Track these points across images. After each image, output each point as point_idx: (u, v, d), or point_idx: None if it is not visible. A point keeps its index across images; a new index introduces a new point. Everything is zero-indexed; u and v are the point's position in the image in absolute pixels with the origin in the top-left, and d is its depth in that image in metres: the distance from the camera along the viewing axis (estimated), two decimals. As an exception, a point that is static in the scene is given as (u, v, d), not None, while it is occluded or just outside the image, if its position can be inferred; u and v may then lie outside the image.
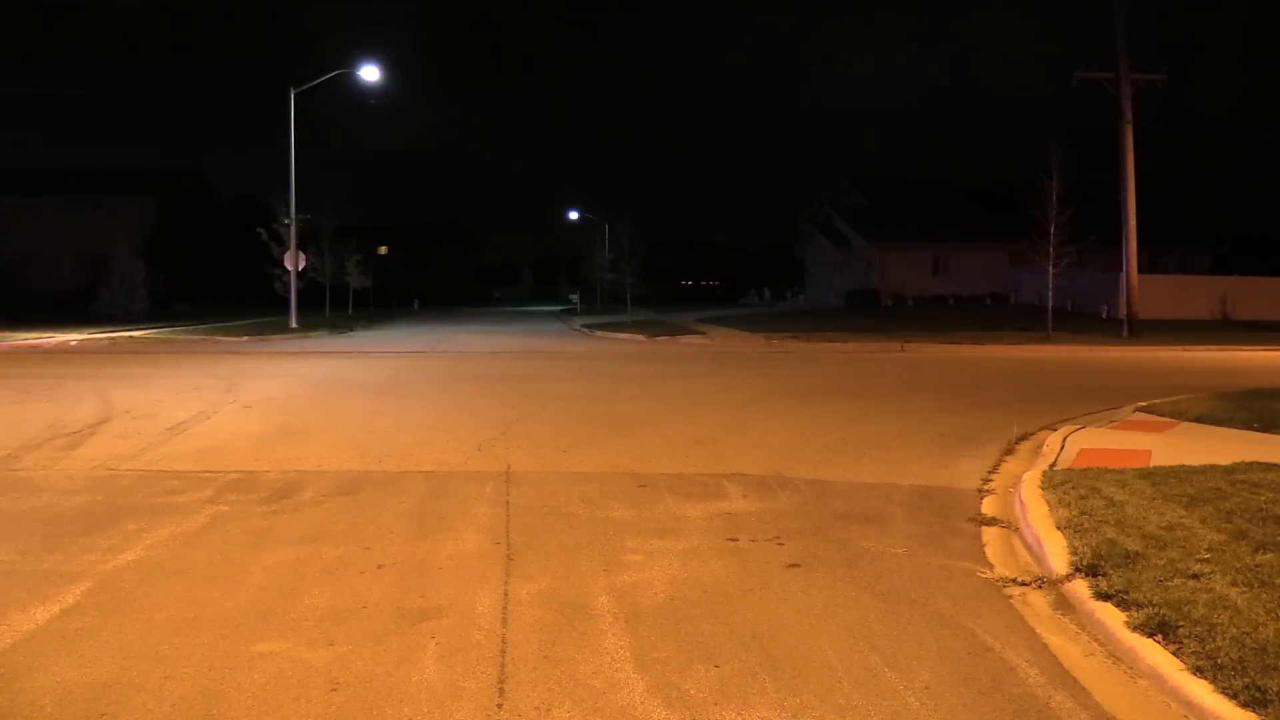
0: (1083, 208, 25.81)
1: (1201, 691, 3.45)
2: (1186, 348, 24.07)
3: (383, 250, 74.89)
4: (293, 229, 33.67)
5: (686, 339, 27.28)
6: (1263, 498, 6.00)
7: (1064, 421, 10.25)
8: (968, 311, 39.39)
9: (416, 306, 62.36)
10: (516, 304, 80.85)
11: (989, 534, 5.94)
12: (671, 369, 17.83)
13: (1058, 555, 5.09)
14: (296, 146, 33.01)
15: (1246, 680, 3.43)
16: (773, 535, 5.80)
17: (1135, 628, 4.01)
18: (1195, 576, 4.50)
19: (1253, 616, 3.99)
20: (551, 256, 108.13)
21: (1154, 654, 3.78)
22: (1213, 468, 7.01)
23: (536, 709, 3.47)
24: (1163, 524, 5.44)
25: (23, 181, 55.34)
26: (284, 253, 34.26)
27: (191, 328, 31.22)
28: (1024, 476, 7.03)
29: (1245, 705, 3.30)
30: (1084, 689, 3.68)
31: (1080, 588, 4.59)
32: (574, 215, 68.55)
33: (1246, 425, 9.42)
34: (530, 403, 12.20)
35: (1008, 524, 6.13)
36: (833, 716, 3.44)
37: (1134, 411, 10.87)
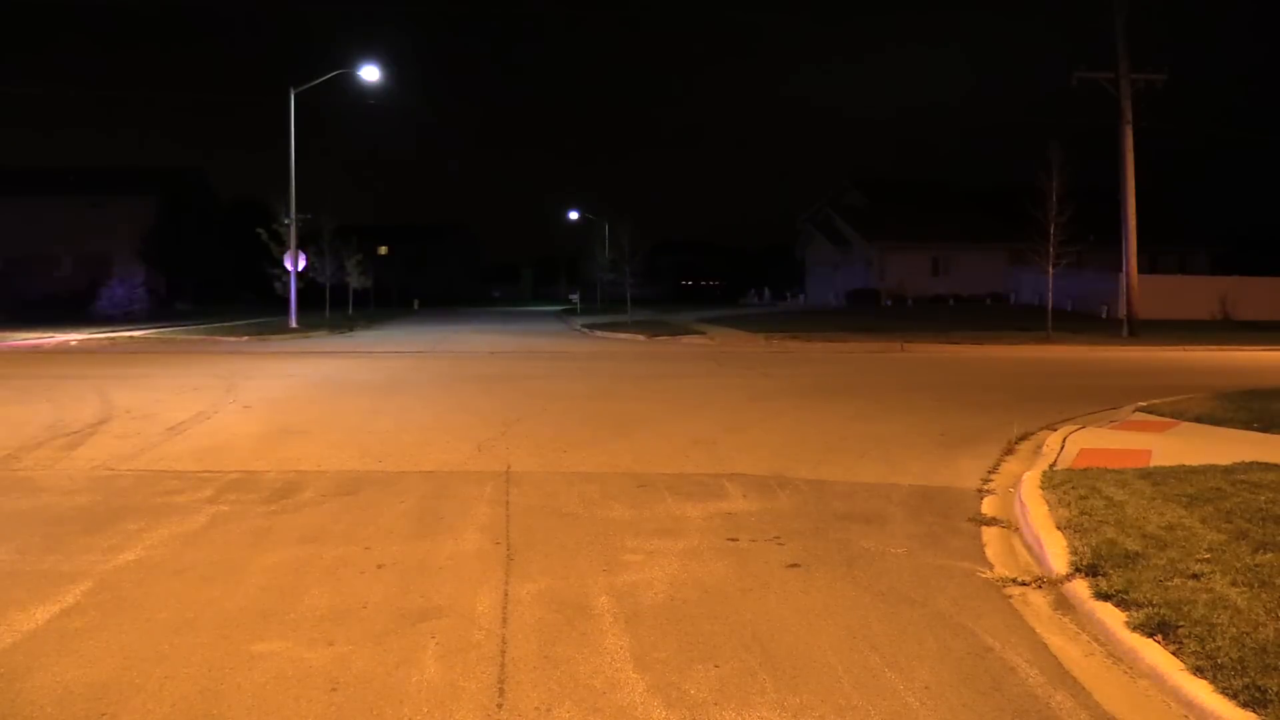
0: (1083, 208, 25.80)
1: (1201, 691, 3.45)
2: (1186, 348, 24.08)
3: (383, 250, 74.88)
4: (293, 229, 33.66)
5: (686, 339, 27.28)
6: (1263, 498, 6.00)
7: (1064, 421, 10.26)
8: (968, 311, 39.40)
9: (416, 306, 62.32)
10: (516, 304, 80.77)
11: (989, 534, 5.94)
12: (671, 369, 17.84)
13: (1058, 555, 5.09)
14: (296, 147, 33.10)
15: (1246, 680, 3.43)
16: (773, 535, 5.81)
17: (1135, 628, 4.01)
18: (1195, 576, 4.50)
19: (1253, 616, 3.99)
20: (551, 256, 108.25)
21: (1154, 654, 3.78)
22: (1213, 468, 7.01)
23: (536, 709, 3.47)
24: (1163, 524, 5.44)
25: (23, 181, 55.28)
26: (284, 253, 34.24)
27: (191, 328, 31.21)
28: (1024, 476, 7.03)
29: (1245, 705, 3.30)
30: (1084, 689, 3.68)
31: (1080, 588, 4.59)
32: (574, 215, 68.58)
33: (1246, 425, 9.43)
34: (530, 403, 12.20)
35: (1008, 524, 6.13)
36: (833, 716, 3.44)
37: (1134, 411, 10.87)
